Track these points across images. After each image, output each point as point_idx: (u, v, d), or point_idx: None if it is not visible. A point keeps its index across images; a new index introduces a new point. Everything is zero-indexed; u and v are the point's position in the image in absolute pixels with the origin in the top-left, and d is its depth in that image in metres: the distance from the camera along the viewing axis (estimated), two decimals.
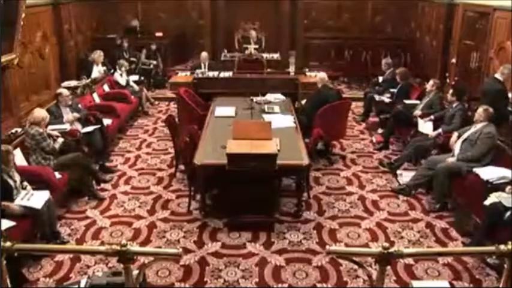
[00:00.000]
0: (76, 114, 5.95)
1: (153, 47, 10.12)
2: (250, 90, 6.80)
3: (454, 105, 5.76)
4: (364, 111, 8.12)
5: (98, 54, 8.68)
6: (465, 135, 5.08)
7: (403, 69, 7.73)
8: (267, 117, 5.70)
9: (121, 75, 8.29)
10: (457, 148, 5.10)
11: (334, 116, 6.11)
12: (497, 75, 5.86)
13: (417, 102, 6.85)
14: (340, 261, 4.02)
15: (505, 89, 5.79)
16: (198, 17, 11.59)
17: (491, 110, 4.95)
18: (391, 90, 7.57)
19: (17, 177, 4.23)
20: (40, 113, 5.06)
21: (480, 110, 4.95)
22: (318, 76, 6.72)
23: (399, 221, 4.81)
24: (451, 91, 5.82)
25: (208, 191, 5.04)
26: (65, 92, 6.03)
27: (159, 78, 9.97)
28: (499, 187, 4.32)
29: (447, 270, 3.97)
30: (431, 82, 6.57)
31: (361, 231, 4.63)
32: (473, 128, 5.04)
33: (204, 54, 8.69)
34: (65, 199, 5.05)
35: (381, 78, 8.31)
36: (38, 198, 4.13)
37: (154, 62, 9.97)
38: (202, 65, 8.48)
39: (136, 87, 8.28)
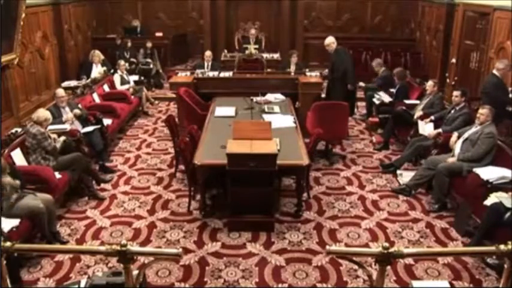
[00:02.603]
0: (77, 111, 5.93)
1: (149, 45, 10.06)
2: (250, 90, 6.81)
3: (458, 107, 5.73)
4: (367, 111, 8.11)
5: (92, 54, 8.67)
6: (465, 135, 5.08)
7: (400, 69, 7.72)
8: (267, 117, 5.70)
9: (121, 76, 8.29)
10: (457, 148, 5.10)
11: (335, 116, 6.13)
12: (495, 71, 5.89)
13: (417, 102, 6.85)
14: (340, 261, 4.02)
15: (502, 82, 5.81)
16: (198, 17, 11.62)
17: (493, 110, 4.96)
18: (391, 90, 7.57)
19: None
20: (44, 113, 5.08)
21: (486, 111, 4.90)
22: (330, 40, 7.25)
23: (399, 221, 4.82)
24: (459, 92, 5.77)
25: (208, 191, 5.04)
26: (59, 92, 5.96)
27: (156, 80, 9.95)
28: (499, 187, 4.32)
29: (447, 270, 3.97)
30: (430, 83, 6.55)
31: (361, 231, 4.62)
32: (474, 128, 5.03)
33: (208, 52, 8.68)
34: (65, 199, 5.05)
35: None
36: None
37: (152, 64, 9.94)
38: (206, 64, 8.46)
39: (133, 87, 8.26)
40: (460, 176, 4.82)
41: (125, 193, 5.37)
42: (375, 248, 3.64)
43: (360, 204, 5.14)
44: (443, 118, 5.92)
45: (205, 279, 3.87)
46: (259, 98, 6.52)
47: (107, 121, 6.45)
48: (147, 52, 10.03)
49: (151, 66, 9.86)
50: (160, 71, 10.14)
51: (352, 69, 7.24)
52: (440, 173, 4.94)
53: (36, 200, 4.14)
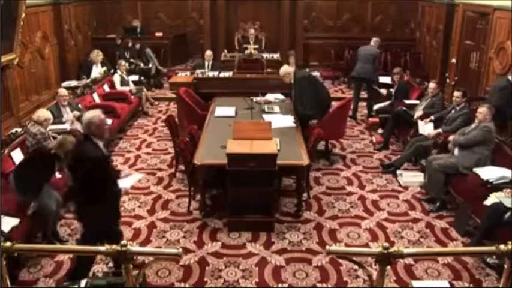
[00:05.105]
0: (76, 112, 5.94)
1: (137, 46, 9.98)
2: (250, 90, 6.80)
3: (459, 107, 5.73)
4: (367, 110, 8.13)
5: (96, 54, 8.67)
6: (463, 130, 5.10)
7: (399, 68, 7.73)
8: (267, 117, 5.70)
9: (121, 76, 8.28)
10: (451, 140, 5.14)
11: (339, 117, 6.15)
12: (510, 77, 5.86)
13: (417, 102, 6.85)
14: (340, 261, 4.02)
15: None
16: (198, 17, 11.62)
17: (493, 108, 4.96)
18: (390, 90, 7.58)
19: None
20: (44, 113, 5.10)
21: (484, 109, 4.90)
22: (285, 70, 6.09)
23: (399, 221, 4.82)
24: (460, 93, 5.75)
25: (208, 191, 5.04)
26: (61, 91, 6.01)
27: (156, 80, 9.95)
28: (499, 187, 4.33)
29: (447, 270, 3.97)
30: (433, 85, 6.50)
31: (361, 231, 4.63)
32: (473, 125, 5.04)
33: (209, 52, 8.66)
34: (65, 199, 5.04)
35: (381, 79, 8.31)
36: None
37: (151, 64, 9.92)
38: (206, 63, 8.46)
39: (134, 89, 8.23)
40: (457, 173, 4.82)
41: (125, 193, 5.35)
42: (375, 248, 3.65)
43: (360, 204, 5.14)
44: (444, 118, 5.93)
45: (205, 279, 3.87)
46: (259, 98, 6.52)
47: (107, 121, 6.43)
48: (143, 54, 9.96)
49: (150, 66, 9.86)
50: (160, 67, 10.12)
51: (327, 100, 6.15)
52: (434, 169, 4.95)
53: (51, 198, 4.20)
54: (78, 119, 5.95)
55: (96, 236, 3.34)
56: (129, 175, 4.14)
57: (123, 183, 3.75)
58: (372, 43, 8.14)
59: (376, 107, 7.60)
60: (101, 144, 3.55)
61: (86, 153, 3.45)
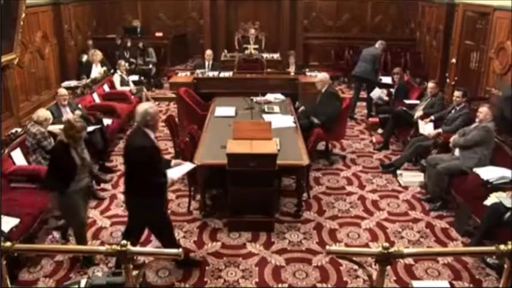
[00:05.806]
0: (78, 112, 5.94)
1: (140, 44, 10.00)
2: (250, 90, 6.80)
3: (459, 107, 5.73)
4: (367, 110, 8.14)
5: (92, 53, 8.67)
6: (463, 130, 5.10)
7: (399, 68, 7.73)
8: (267, 117, 5.70)
9: (121, 76, 8.28)
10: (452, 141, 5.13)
11: (341, 118, 6.17)
12: None
13: (417, 102, 6.85)
14: (340, 261, 4.02)
15: None
16: (198, 17, 11.63)
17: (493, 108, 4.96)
18: (390, 90, 7.58)
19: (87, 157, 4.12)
20: (44, 113, 5.09)
21: (485, 109, 4.90)
22: (323, 77, 6.23)
23: (399, 221, 4.82)
24: (460, 93, 5.75)
25: (208, 191, 5.04)
26: (61, 91, 6.01)
27: (156, 80, 9.96)
28: (499, 187, 4.33)
29: (447, 270, 3.97)
30: (432, 84, 6.51)
31: (361, 231, 4.62)
32: (474, 125, 5.04)
33: (209, 51, 8.65)
34: None
35: (383, 79, 8.32)
36: None
37: (150, 64, 9.92)
38: (206, 63, 8.46)
39: (134, 89, 8.23)
40: (459, 173, 4.82)
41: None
42: (375, 248, 3.64)
43: (360, 204, 5.14)
44: (444, 118, 5.93)
45: (205, 279, 3.87)
46: (259, 98, 6.53)
47: (107, 121, 6.45)
48: (144, 53, 9.98)
49: (150, 66, 9.86)
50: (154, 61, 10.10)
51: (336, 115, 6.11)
52: (439, 173, 4.94)
53: (83, 209, 4.09)
54: (79, 118, 5.95)
55: (140, 225, 3.74)
56: (180, 164, 4.07)
57: (171, 174, 3.77)
58: (376, 45, 8.10)
59: (375, 98, 7.61)
60: (152, 135, 3.59)
61: (132, 143, 3.58)
